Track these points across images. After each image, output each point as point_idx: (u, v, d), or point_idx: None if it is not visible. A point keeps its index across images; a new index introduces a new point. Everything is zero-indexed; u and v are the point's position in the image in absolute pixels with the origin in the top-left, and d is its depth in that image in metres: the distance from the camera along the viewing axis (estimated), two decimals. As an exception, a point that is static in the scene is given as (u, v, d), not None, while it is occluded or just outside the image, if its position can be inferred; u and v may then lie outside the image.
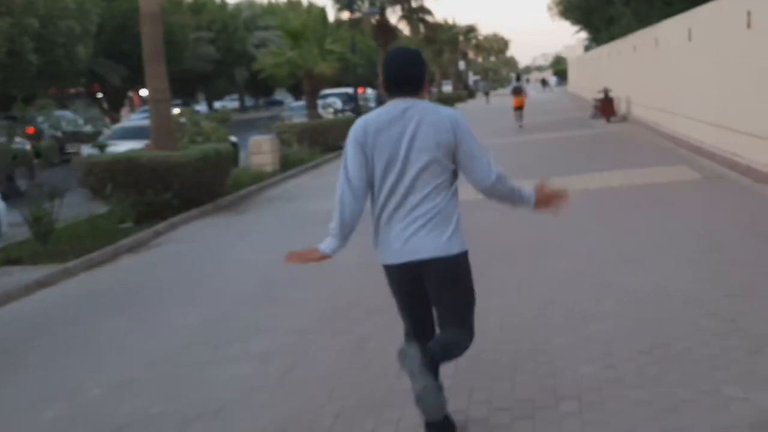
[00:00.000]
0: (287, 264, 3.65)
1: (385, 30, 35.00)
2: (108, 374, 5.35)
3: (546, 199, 3.63)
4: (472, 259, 3.68)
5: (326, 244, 3.55)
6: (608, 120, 23.83)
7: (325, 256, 3.53)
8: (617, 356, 4.63)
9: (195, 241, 10.31)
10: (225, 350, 5.60)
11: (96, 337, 6.32)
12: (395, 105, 3.50)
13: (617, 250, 7.26)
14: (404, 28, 43.80)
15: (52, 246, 9.66)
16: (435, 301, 3.66)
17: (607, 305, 5.61)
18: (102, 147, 12.86)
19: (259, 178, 15.98)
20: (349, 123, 25.03)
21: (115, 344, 6.06)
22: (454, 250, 3.49)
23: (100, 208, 12.40)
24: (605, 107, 24.28)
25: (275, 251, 9.15)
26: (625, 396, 4.09)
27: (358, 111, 28.69)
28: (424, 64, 3.59)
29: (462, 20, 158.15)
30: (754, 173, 10.47)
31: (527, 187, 3.64)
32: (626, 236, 7.83)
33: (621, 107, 24.73)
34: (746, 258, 6.55)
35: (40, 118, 21.52)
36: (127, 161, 12.06)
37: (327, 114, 31.14)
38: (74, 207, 11.65)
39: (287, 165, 18.16)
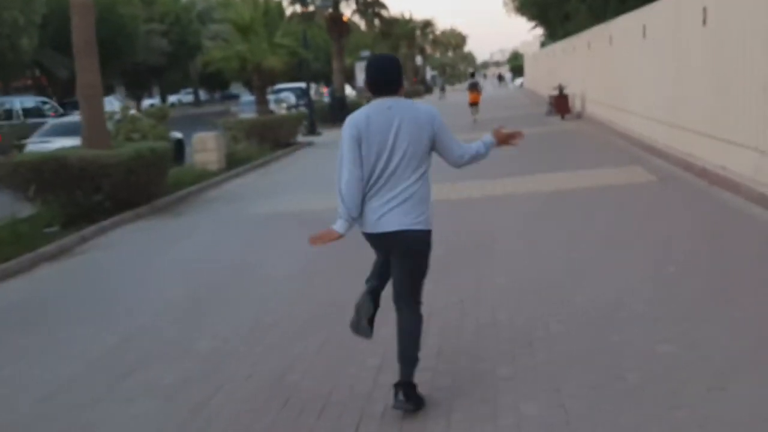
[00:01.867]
0: (311, 245, 4.05)
1: (339, 24, 34.18)
2: (-8, 412, 4.69)
3: (504, 139, 4.36)
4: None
5: (338, 226, 4.00)
6: (563, 117, 23.52)
7: (340, 236, 3.99)
8: (565, 392, 4.11)
9: (123, 248, 9.60)
10: (129, 381, 4.96)
11: (-10, 363, 5.63)
12: (381, 103, 4.03)
13: (568, 263, 6.76)
14: (359, 23, 43.10)
15: (-36, 254, 8.89)
16: (394, 269, 4.16)
17: (555, 328, 5.10)
18: (20, 147, 12.01)
19: (201, 177, 15.23)
20: (301, 118, 24.44)
21: (7, 373, 5.38)
22: (420, 226, 4.02)
23: (28, 211, 11.59)
24: (560, 104, 23.95)
25: (207, 259, 8.60)
26: (572, 444, 3.58)
27: (311, 106, 28.04)
28: (401, 67, 4.19)
29: (419, 15, 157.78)
30: (710, 175, 10.11)
31: (486, 136, 4.32)
32: (578, 246, 7.34)
33: (576, 104, 24.45)
34: (704, 271, 6.11)
35: None
36: (55, 161, 11.28)
37: (280, 109, 30.41)
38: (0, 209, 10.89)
39: (233, 163, 17.44)
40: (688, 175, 10.80)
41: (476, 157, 4.29)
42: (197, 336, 5.75)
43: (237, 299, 6.70)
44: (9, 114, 24.57)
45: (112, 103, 31.30)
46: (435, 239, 4.29)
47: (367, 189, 4.02)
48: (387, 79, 4.07)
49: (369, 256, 4.39)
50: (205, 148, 16.77)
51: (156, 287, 7.44)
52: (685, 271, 6.13)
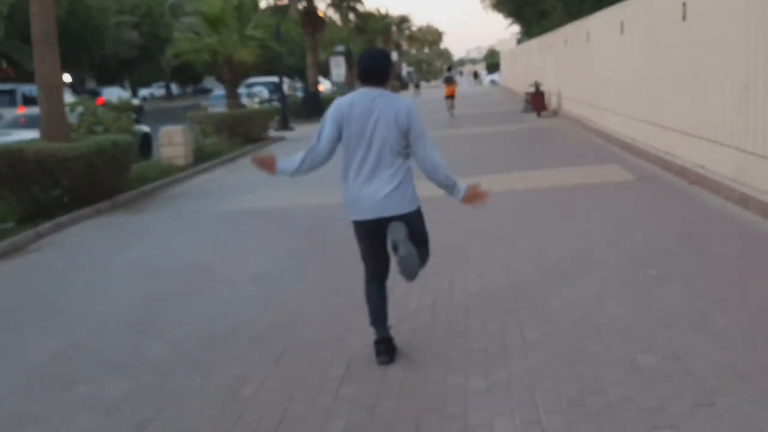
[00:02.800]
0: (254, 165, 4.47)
1: (313, 18, 33.68)
2: None
3: (472, 197, 4.49)
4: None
5: (283, 166, 4.40)
6: (539, 114, 23.31)
7: (273, 173, 4.43)
8: (542, 407, 3.79)
9: (79, 246, 9.15)
10: (71, 392, 4.57)
11: None
12: (366, 92, 4.32)
13: (544, 265, 6.45)
14: (334, 17, 42.63)
15: None
16: None
17: (530, 335, 4.79)
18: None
19: (167, 172, 14.76)
20: (273, 113, 23.90)
21: (-60, 384, 4.97)
22: (411, 208, 4.38)
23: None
24: (536, 101, 23.74)
25: (167, 258, 8.18)
26: (550, 468, 3.26)
27: (284, 101, 27.59)
28: (390, 61, 4.50)
29: (395, 10, 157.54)
30: (689, 175, 9.88)
31: (463, 183, 4.47)
32: (554, 248, 7.03)
33: (552, 102, 24.25)
34: (685, 274, 5.83)
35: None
36: (11, 154, 10.80)
37: (253, 104, 29.92)
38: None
39: (202, 158, 16.98)
40: (666, 174, 10.57)
41: (437, 172, 4.34)
42: (149, 343, 5.36)
43: (196, 302, 6.31)
44: (33, 101, 24.76)
45: (120, 95, 31.15)
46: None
47: (353, 174, 4.30)
48: (377, 71, 4.35)
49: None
50: (172, 142, 16.28)
51: (110, 289, 7.02)
52: (666, 274, 5.84)
